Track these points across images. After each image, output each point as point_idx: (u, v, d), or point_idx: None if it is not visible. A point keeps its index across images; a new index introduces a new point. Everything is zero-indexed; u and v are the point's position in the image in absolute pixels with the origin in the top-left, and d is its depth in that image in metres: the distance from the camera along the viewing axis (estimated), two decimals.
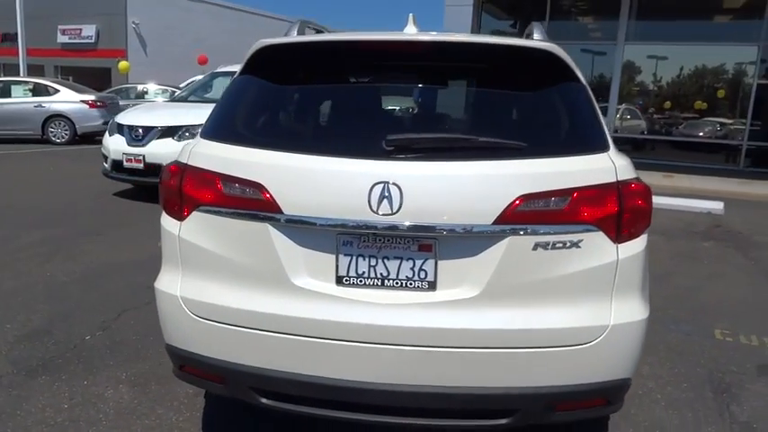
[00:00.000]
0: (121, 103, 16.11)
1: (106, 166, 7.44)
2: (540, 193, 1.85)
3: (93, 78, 23.37)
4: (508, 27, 15.25)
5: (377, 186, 1.84)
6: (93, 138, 14.65)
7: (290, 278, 1.94)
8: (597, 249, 1.90)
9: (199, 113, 7.20)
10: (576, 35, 12.83)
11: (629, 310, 1.96)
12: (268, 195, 1.92)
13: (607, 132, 2.06)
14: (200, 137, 2.16)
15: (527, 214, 1.85)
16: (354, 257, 1.93)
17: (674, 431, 2.68)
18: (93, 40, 28.24)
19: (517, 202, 1.84)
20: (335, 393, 1.95)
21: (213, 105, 8.35)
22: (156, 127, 7.01)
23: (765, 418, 2.80)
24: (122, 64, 23.19)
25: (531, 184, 1.86)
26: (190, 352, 2.10)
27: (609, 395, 2.02)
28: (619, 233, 1.92)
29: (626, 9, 11.56)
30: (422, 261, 1.90)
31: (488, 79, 2.13)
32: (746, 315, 4.15)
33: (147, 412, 2.72)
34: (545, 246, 1.87)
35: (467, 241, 1.88)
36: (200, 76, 19.57)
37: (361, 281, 1.93)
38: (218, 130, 2.14)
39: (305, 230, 1.93)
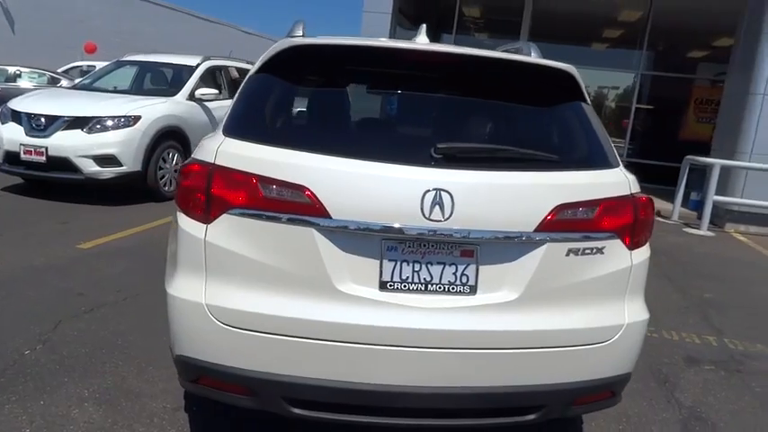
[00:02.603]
0: None
1: None
2: (574, 203, 1.99)
3: None
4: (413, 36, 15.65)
5: (429, 193, 1.88)
6: None
7: (335, 284, 1.91)
8: (616, 255, 2.08)
9: (110, 104, 6.73)
10: None
11: (637, 311, 2.16)
12: (315, 199, 1.88)
13: (614, 150, 2.25)
14: (225, 135, 2.05)
15: (563, 222, 1.98)
16: (399, 263, 1.94)
17: (638, 418, 2.96)
18: None
19: (555, 211, 1.96)
20: (377, 398, 1.95)
21: (125, 96, 7.82)
22: (63, 116, 6.39)
23: (705, 403, 3.17)
24: None
25: (566, 194, 1.99)
26: (212, 363, 1.99)
27: (615, 388, 2.20)
28: (632, 241, 2.11)
29: (525, 29, 12.39)
30: (464, 266, 1.96)
31: (513, 94, 2.23)
32: (661, 313, 4.64)
33: None
34: (576, 252, 2.01)
35: (507, 247, 1.97)
36: (81, 63, 18.08)
37: (404, 286, 1.95)
38: (247, 129, 2.05)
39: (349, 235, 1.91)
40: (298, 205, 1.89)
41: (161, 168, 6.97)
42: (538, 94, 2.25)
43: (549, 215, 1.95)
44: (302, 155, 1.92)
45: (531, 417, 2.08)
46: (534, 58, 2.22)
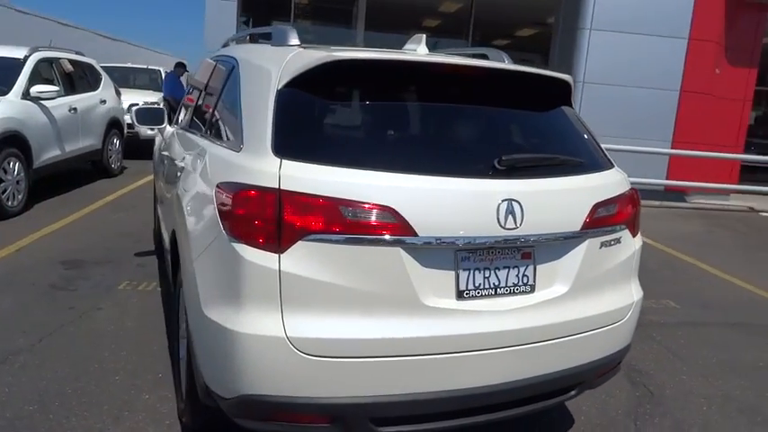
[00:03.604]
0: None
1: None
2: (604, 201, 2.25)
3: None
4: (242, 24, 15.16)
5: (503, 203, 1.99)
6: None
7: (421, 299, 1.94)
8: (627, 244, 2.39)
9: None
10: (318, 41, 13.60)
11: (638, 289, 2.52)
12: (402, 219, 1.88)
13: None
14: (278, 156, 1.91)
15: (598, 219, 2.23)
16: (472, 271, 2.03)
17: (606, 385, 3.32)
18: None
19: (593, 209, 2.20)
20: (462, 402, 2.03)
21: None
22: None
23: (642, 359, 3.70)
24: None
25: (598, 194, 2.24)
26: (291, 397, 1.90)
27: (621, 359, 2.54)
28: (634, 229, 2.45)
29: (361, 18, 12.73)
30: (524, 267, 2.12)
31: (529, 103, 2.41)
32: None
33: None
34: (606, 244, 2.28)
35: (557, 246, 2.16)
36: None
37: (478, 293, 2.04)
38: (306, 149, 1.95)
39: (429, 250, 1.95)
40: (384, 226, 1.87)
41: (2, 182, 5.95)
42: (545, 103, 2.46)
43: (589, 214, 2.19)
44: (382, 175, 1.90)
45: (573, 393, 2.34)
46: (538, 69, 2.42)
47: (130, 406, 2.77)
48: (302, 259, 1.85)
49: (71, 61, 8.03)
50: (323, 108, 2.09)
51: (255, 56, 2.54)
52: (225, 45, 3.73)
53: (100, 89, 8.63)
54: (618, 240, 2.34)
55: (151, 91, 12.65)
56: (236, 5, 9.65)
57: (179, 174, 2.85)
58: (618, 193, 2.34)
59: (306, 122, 2.06)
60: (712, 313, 4.76)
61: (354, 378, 1.91)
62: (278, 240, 1.85)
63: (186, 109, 3.91)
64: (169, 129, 4.36)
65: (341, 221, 1.85)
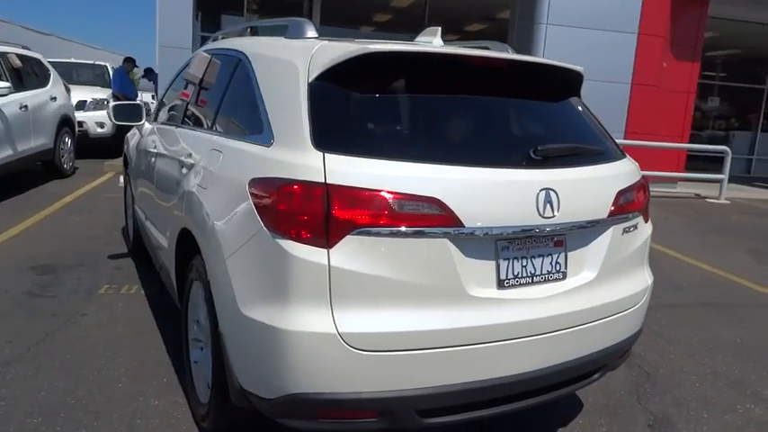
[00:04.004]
0: None
1: None
2: (625, 189, 2.33)
3: None
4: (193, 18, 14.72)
5: (541, 192, 2.03)
6: None
7: (466, 289, 1.95)
8: (641, 229, 2.49)
9: None
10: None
11: (650, 273, 2.62)
12: (448, 210, 1.88)
13: None
14: (320, 149, 1.88)
15: (621, 206, 2.30)
16: (510, 260, 2.06)
17: None
18: None
19: (617, 196, 2.28)
20: (504, 389, 2.06)
21: None
22: None
23: None
24: None
25: (621, 181, 2.32)
26: (340, 393, 1.88)
27: (634, 343, 2.64)
28: (646, 216, 2.55)
29: (317, 16, 12.59)
30: (557, 255, 2.17)
31: (549, 94, 2.46)
32: None
33: None
34: (627, 230, 2.36)
35: (586, 233, 2.22)
36: None
37: (517, 281, 2.07)
38: (349, 142, 1.92)
39: (473, 240, 1.96)
40: (432, 218, 1.87)
41: None
42: (562, 94, 2.53)
43: (614, 201, 2.26)
44: (426, 166, 1.90)
45: (596, 376, 2.41)
46: (555, 61, 2.48)
47: (142, 413, 2.67)
48: (351, 254, 1.83)
49: (18, 56, 7.60)
50: (358, 101, 2.06)
51: (270, 49, 2.48)
52: (214, 39, 3.63)
53: (49, 86, 8.22)
54: (635, 227, 2.42)
55: (99, 87, 12.11)
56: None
57: (185, 170, 2.75)
58: (634, 181, 2.42)
59: (343, 115, 2.03)
60: (684, 294, 5.00)
61: (403, 371, 1.91)
62: (326, 235, 1.82)
63: (174, 104, 3.77)
64: (148, 125, 4.21)
65: (388, 214, 1.84)
